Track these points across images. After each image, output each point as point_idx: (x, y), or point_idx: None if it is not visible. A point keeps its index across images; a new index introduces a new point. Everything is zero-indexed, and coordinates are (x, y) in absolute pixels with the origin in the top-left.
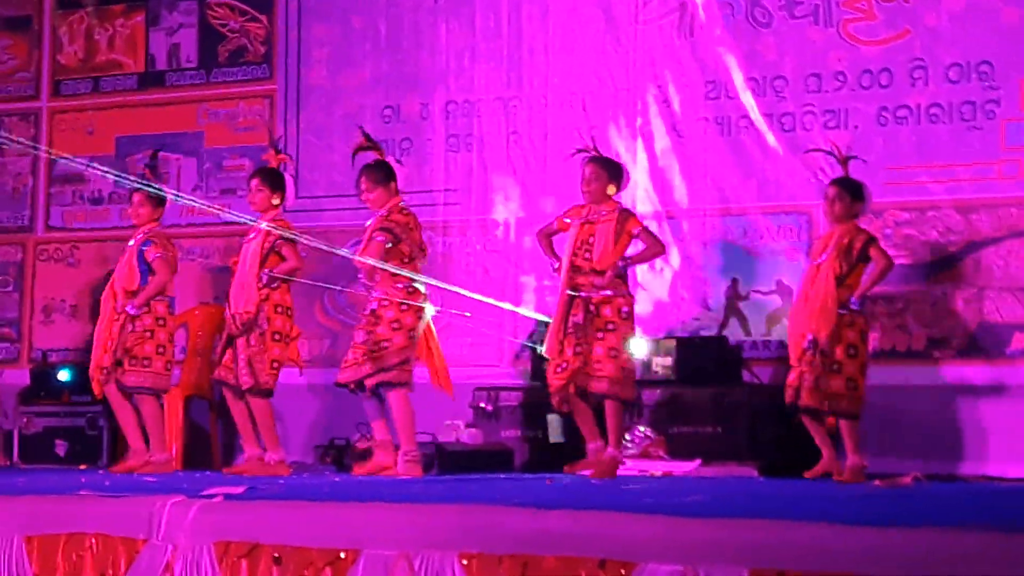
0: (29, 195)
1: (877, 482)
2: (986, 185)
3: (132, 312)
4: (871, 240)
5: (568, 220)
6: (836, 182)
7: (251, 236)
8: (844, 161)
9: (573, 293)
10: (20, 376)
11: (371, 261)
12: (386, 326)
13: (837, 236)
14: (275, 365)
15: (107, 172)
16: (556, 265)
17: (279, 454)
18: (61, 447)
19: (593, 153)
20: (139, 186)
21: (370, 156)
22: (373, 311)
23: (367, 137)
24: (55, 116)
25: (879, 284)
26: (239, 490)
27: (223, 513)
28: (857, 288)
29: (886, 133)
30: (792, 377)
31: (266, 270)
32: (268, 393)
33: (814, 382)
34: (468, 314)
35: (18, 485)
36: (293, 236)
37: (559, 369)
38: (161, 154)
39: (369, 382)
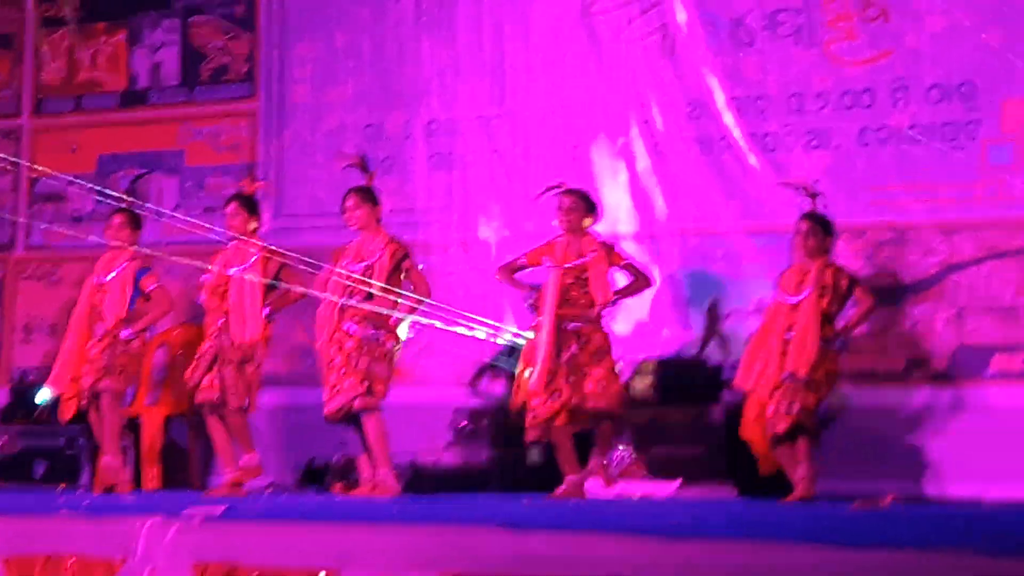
0: (10, 213)
1: (856, 503)
2: (967, 206)
3: (128, 337)
4: (855, 281)
5: (544, 259)
6: (808, 216)
7: (229, 259)
8: (813, 196)
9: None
10: (0, 395)
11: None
12: (382, 356)
13: (815, 273)
14: (251, 386)
15: (94, 188)
16: (532, 299)
17: (255, 457)
18: (39, 467)
19: (564, 187)
20: (120, 208)
21: (353, 176)
22: (376, 338)
23: (363, 163)
24: (37, 134)
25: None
26: (218, 511)
27: (202, 534)
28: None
29: (868, 153)
30: (770, 411)
31: (268, 306)
32: (244, 409)
33: (787, 407)
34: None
35: None
36: (291, 263)
37: (547, 400)
38: (140, 171)
39: (357, 404)
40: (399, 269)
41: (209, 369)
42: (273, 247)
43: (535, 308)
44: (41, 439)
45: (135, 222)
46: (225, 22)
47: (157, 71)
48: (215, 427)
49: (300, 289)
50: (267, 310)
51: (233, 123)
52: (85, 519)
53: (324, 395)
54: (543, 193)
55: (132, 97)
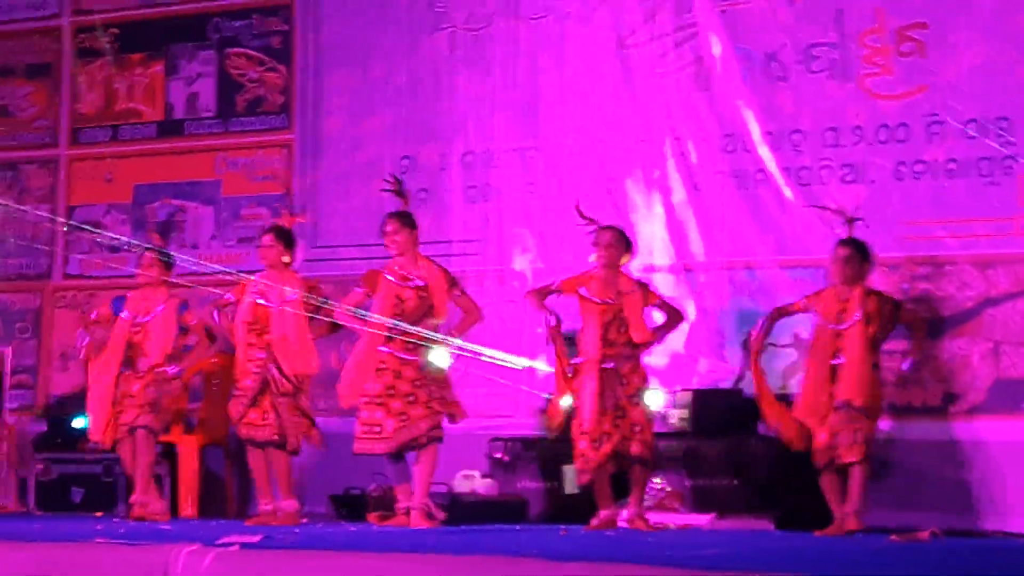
0: (47, 243)
1: (894, 537)
2: (1003, 241)
3: (175, 374)
4: (899, 305)
5: (581, 289)
6: (847, 242)
7: (266, 293)
8: (850, 221)
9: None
10: (37, 423)
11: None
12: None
13: (859, 299)
14: (308, 425)
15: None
16: (554, 322)
17: (294, 504)
18: (77, 494)
19: (592, 223)
20: (148, 247)
21: (386, 203)
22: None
23: (399, 185)
24: (73, 164)
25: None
26: (255, 539)
27: (239, 562)
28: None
29: (903, 188)
30: (823, 438)
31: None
32: (296, 451)
33: (853, 437)
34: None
35: (34, 532)
36: (326, 301)
37: (597, 444)
38: (177, 202)
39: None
40: (449, 294)
41: (254, 403)
42: (310, 278)
43: (554, 339)
44: (78, 466)
45: (166, 263)
46: (261, 54)
47: (193, 102)
48: (258, 458)
49: (341, 322)
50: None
51: (268, 154)
52: (122, 546)
53: (368, 426)
54: (585, 223)
55: (168, 127)
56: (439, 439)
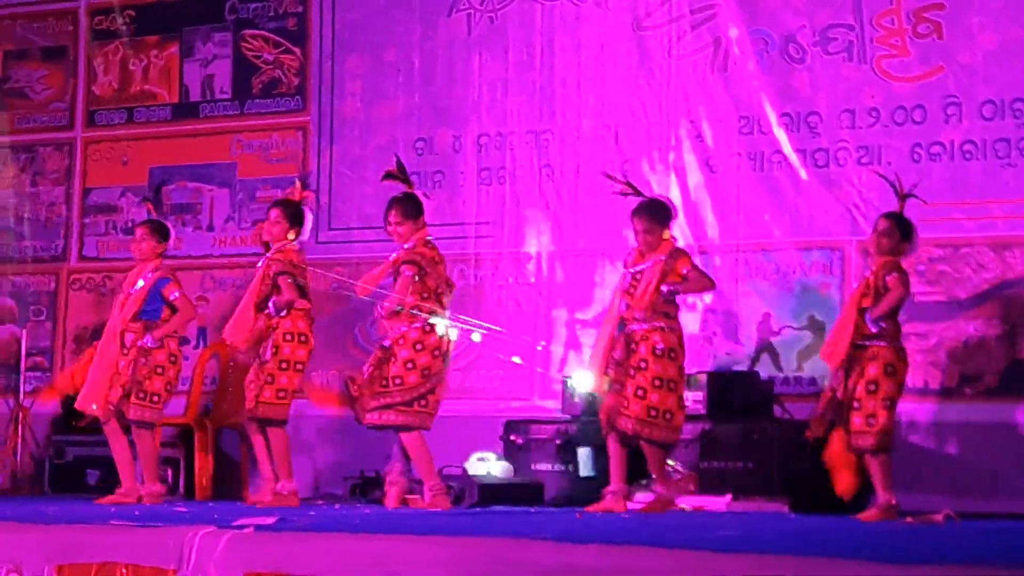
0: (63, 225)
1: (909, 519)
2: (1020, 222)
3: (150, 346)
4: (894, 268)
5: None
6: (889, 216)
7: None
8: (903, 197)
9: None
10: (52, 405)
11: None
12: (400, 365)
13: (874, 269)
14: (281, 395)
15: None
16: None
17: (292, 484)
18: (92, 476)
19: (626, 192)
20: (143, 220)
21: (399, 188)
22: (386, 348)
23: (400, 168)
24: (89, 146)
25: (901, 314)
26: (270, 521)
27: (253, 544)
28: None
29: (920, 170)
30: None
31: (273, 301)
32: (277, 423)
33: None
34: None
35: (49, 514)
36: (289, 270)
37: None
38: (193, 184)
39: (376, 420)
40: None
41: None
42: (285, 251)
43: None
44: (93, 448)
45: (159, 233)
46: (277, 36)
47: (209, 84)
48: (253, 436)
49: (288, 296)
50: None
51: (284, 136)
52: (137, 528)
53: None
54: (618, 192)
55: (184, 110)
56: (398, 427)
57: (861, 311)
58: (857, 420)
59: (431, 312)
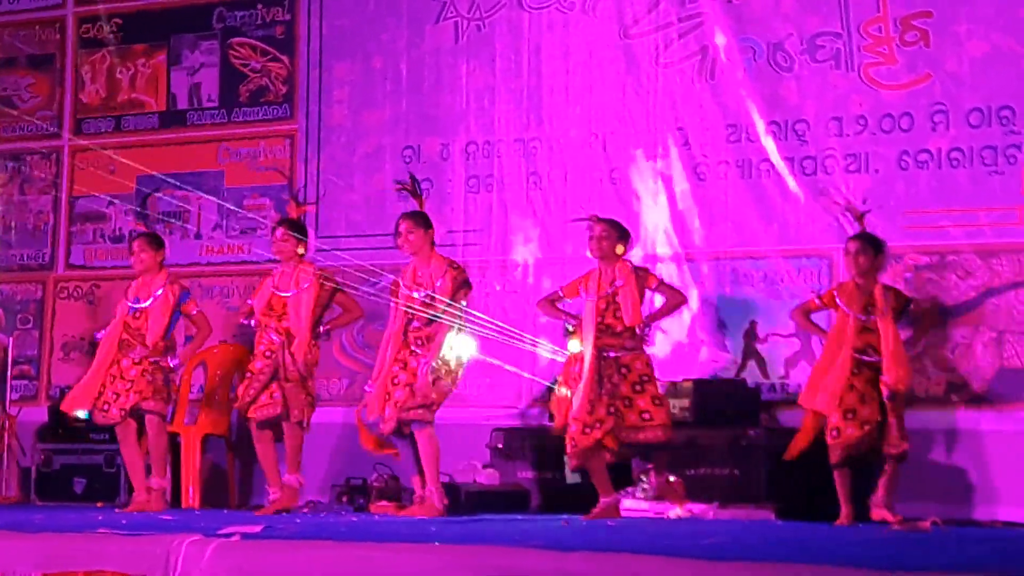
0: (50, 233)
1: (896, 526)
2: (1007, 230)
3: (176, 366)
4: (909, 302)
5: (581, 289)
6: (857, 237)
7: (286, 292)
8: (860, 217)
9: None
10: (39, 413)
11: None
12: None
13: (881, 297)
14: (312, 404)
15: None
16: (572, 325)
17: (297, 480)
18: (79, 484)
19: (592, 220)
20: (140, 232)
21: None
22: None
23: (415, 183)
24: (76, 154)
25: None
26: (256, 529)
27: (240, 552)
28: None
29: (907, 177)
30: (852, 431)
31: (325, 325)
32: (302, 424)
33: (900, 431)
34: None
35: (36, 522)
36: (342, 287)
37: (588, 429)
38: (180, 192)
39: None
40: (458, 294)
41: (266, 387)
42: (324, 271)
43: (571, 335)
44: (80, 456)
45: (155, 244)
46: (264, 44)
47: (196, 92)
48: (266, 444)
49: (356, 312)
50: (323, 328)
51: (271, 144)
52: (124, 536)
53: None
54: (576, 221)
55: (171, 118)
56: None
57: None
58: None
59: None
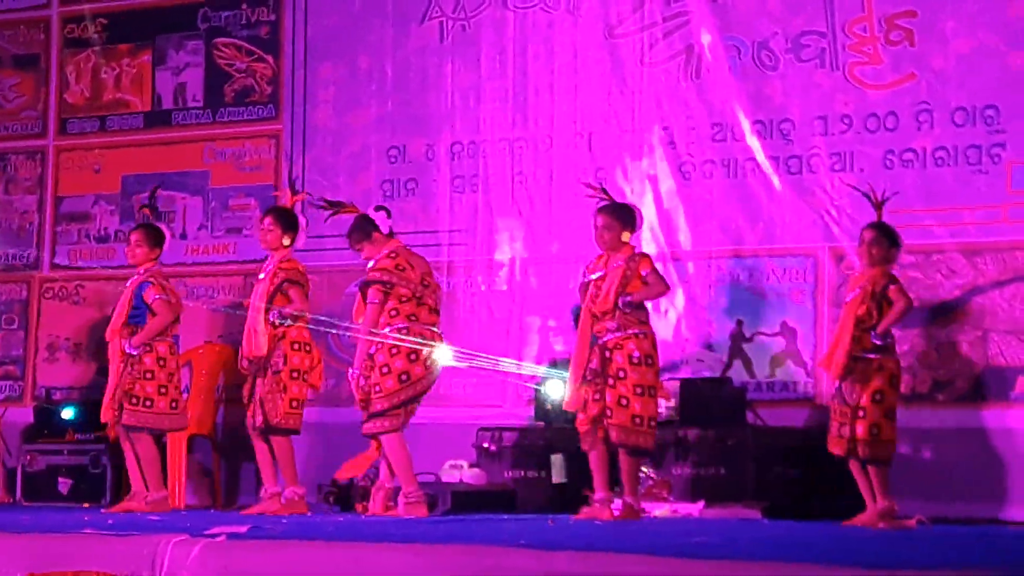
0: (35, 233)
1: (881, 524)
2: (991, 229)
3: (132, 352)
4: (892, 280)
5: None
6: (873, 226)
7: (260, 276)
8: (879, 205)
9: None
10: (24, 414)
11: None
12: (378, 372)
13: (868, 278)
14: (295, 404)
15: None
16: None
17: (300, 489)
18: (64, 485)
19: (602, 197)
20: (137, 225)
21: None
22: (371, 355)
23: (327, 203)
24: (61, 154)
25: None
26: (242, 529)
27: (226, 552)
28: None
29: (892, 176)
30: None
31: (276, 309)
32: (288, 431)
33: (838, 430)
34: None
35: (22, 523)
36: (299, 279)
37: (581, 415)
38: (166, 192)
39: (363, 429)
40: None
41: (252, 392)
42: (289, 261)
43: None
44: (66, 457)
45: (152, 239)
46: (249, 44)
47: (181, 92)
48: (256, 446)
49: (298, 305)
50: (270, 316)
51: (256, 144)
52: (110, 537)
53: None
54: (588, 195)
55: (156, 118)
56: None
57: (858, 321)
58: (861, 428)
59: (409, 316)
